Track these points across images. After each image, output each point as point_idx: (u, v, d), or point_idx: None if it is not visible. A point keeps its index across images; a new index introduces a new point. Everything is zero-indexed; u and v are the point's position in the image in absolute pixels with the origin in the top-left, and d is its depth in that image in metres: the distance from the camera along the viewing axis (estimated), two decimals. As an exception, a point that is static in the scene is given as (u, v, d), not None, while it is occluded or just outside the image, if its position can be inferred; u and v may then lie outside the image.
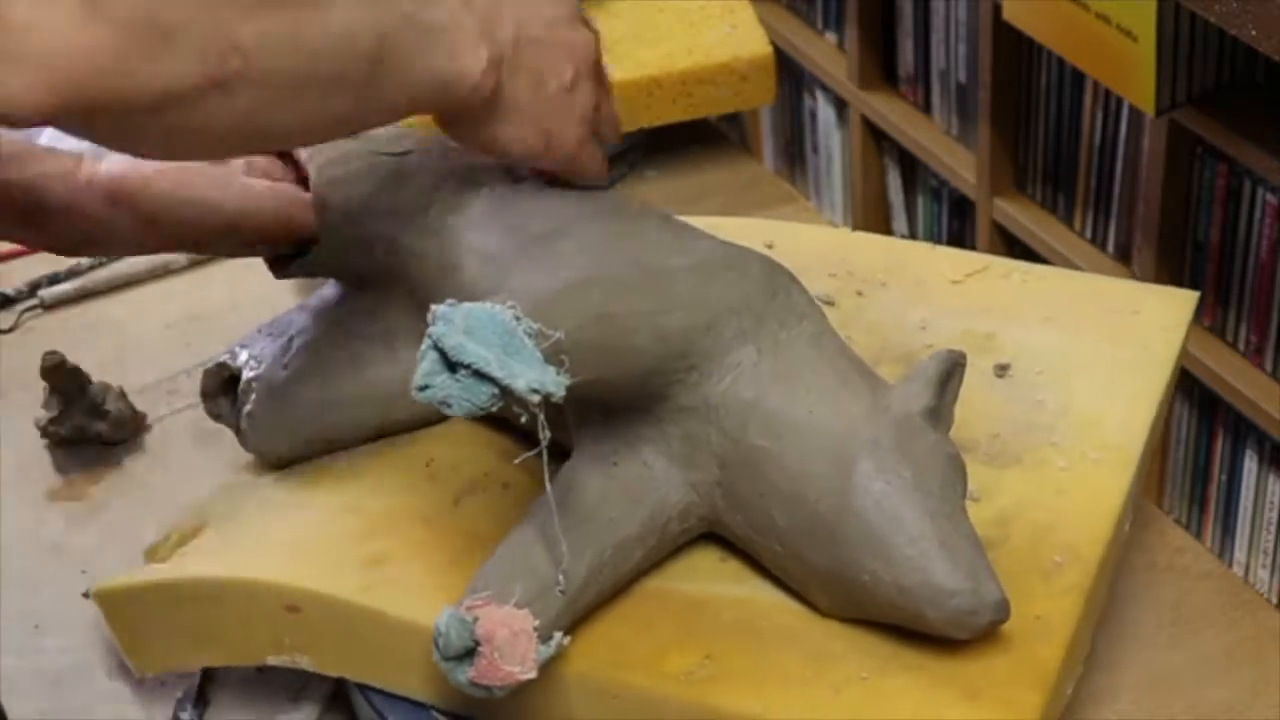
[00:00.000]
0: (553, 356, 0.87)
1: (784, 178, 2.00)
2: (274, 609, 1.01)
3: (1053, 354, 1.08)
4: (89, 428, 1.27)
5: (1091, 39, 1.40)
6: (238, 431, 1.11)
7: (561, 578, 0.92)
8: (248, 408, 1.09)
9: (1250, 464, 1.47)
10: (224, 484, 1.12)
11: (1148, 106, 1.39)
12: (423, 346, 0.86)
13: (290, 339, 1.11)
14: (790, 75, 1.94)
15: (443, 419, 1.09)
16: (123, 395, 1.28)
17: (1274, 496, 1.45)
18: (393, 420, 1.10)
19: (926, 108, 1.76)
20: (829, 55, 1.85)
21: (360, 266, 1.09)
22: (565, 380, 0.86)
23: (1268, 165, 1.35)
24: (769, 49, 1.53)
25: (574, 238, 1.02)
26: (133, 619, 1.06)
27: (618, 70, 1.50)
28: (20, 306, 1.41)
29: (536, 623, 0.90)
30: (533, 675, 0.90)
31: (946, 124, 1.74)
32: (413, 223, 1.07)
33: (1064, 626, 0.94)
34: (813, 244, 1.18)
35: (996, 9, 1.53)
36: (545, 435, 0.86)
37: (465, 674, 0.90)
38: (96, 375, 1.28)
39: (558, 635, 0.92)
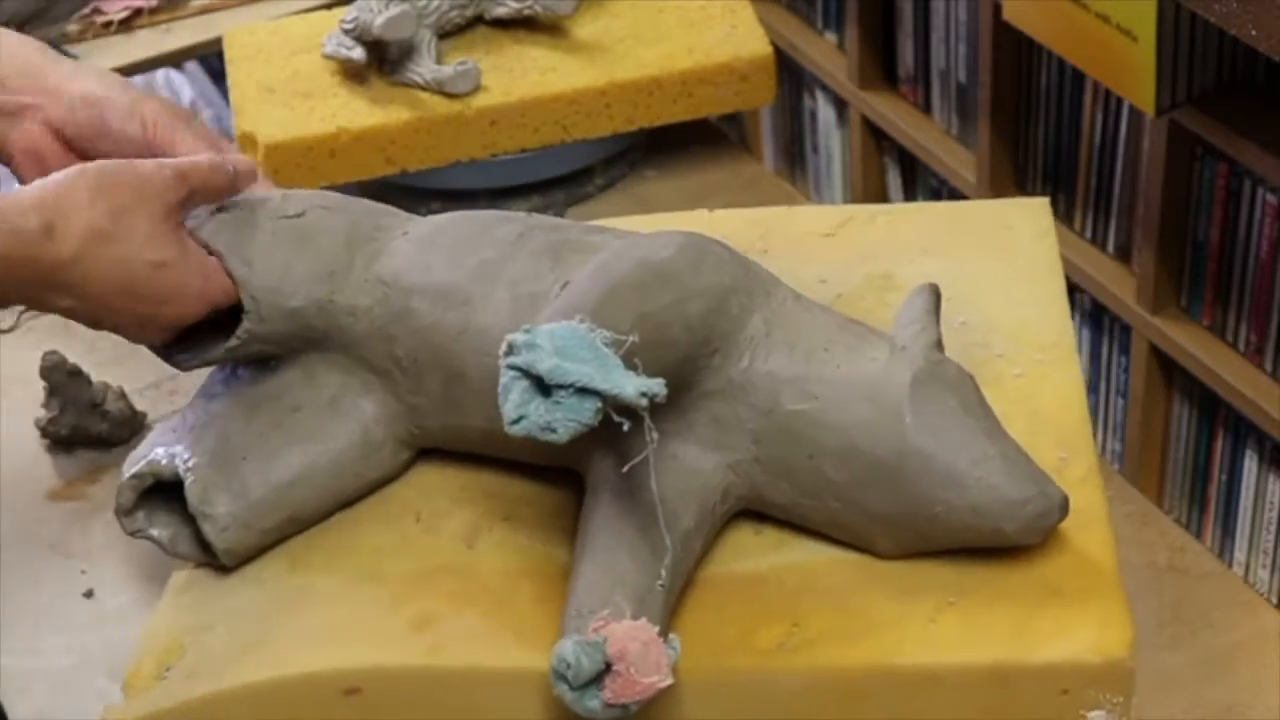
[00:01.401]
0: (628, 361, 0.88)
1: (784, 178, 2.00)
2: (330, 698, 0.98)
3: (951, 279, 1.11)
4: (89, 427, 1.26)
5: (1091, 39, 1.40)
6: (189, 541, 1.05)
7: (664, 572, 0.93)
8: (209, 510, 1.03)
9: (1250, 464, 1.47)
10: (171, 597, 1.05)
11: (1148, 106, 1.39)
12: (504, 379, 0.86)
13: (221, 430, 1.06)
14: (790, 75, 1.93)
15: (399, 475, 1.08)
16: (122, 395, 1.27)
17: (1274, 496, 1.45)
18: (357, 486, 1.07)
19: (926, 108, 1.76)
20: (829, 55, 1.85)
21: (289, 337, 1.06)
22: (661, 380, 0.87)
23: (1268, 165, 1.35)
24: (769, 49, 1.53)
25: (528, 255, 1.03)
26: None
27: (618, 70, 1.50)
28: (20, 306, 1.41)
29: (655, 629, 0.91)
30: (671, 681, 0.90)
31: (946, 124, 1.74)
32: (342, 280, 1.06)
33: (1099, 512, 0.99)
34: (680, 229, 1.18)
35: (996, 9, 1.52)
36: (654, 437, 0.88)
37: (596, 699, 0.89)
38: (96, 375, 1.28)
39: (673, 636, 0.92)
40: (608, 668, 0.89)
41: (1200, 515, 1.53)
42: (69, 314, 1.00)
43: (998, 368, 1.07)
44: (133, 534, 1.06)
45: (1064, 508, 0.95)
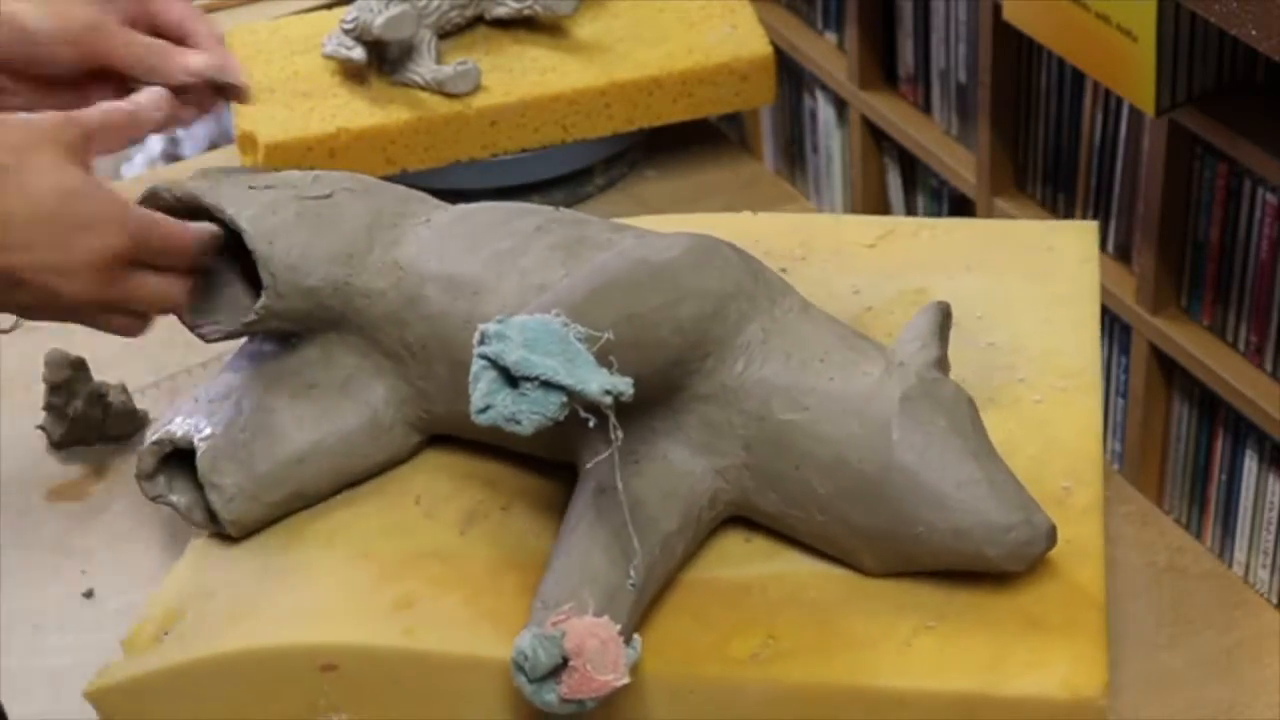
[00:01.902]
0: (602, 359, 0.87)
1: (784, 178, 2.00)
2: (307, 672, 0.99)
3: (986, 299, 1.11)
4: (91, 420, 1.26)
5: (1091, 39, 1.40)
6: (202, 510, 1.06)
7: (633, 572, 0.93)
8: (217, 480, 1.04)
9: (1250, 464, 1.47)
10: (184, 563, 1.07)
11: (1148, 106, 1.39)
12: (474, 368, 0.87)
13: (237, 402, 1.07)
14: (790, 75, 1.93)
15: (407, 458, 1.09)
16: (124, 390, 1.28)
17: (1274, 496, 1.45)
18: (365, 466, 1.08)
19: (926, 108, 1.76)
20: (829, 55, 1.85)
21: (307, 315, 1.06)
22: (629, 379, 0.87)
23: (1268, 165, 1.35)
24: (769, 49, 1.53)
25: (544, 249, 1.03)
26: (140, 714, 1.01)
27: (618, 70, 1.50)
28: None
29: (617, 627, 0.91)
30: (627, 680, 0.90)
31: (946, 124, 1.74)
32: (360, 263, 1.06)
33: (1094, 545, 0.98)
34: (720, 230, 1.18)
35: (996, 9, 1.53)
36: (618, 436, 0.88)
37: (553, 693, 0.89)
38: (97, 374, 1.28)
39: (636, 637, 0.92)
40: (565, 662, 0.89)
41: (1200, 515, 1.53)
42: None
43: (1017, 392, 1.06)
44: (153, 499, 1.08)
45: (1050, 537, 0.94)
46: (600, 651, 0.89)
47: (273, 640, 0.99)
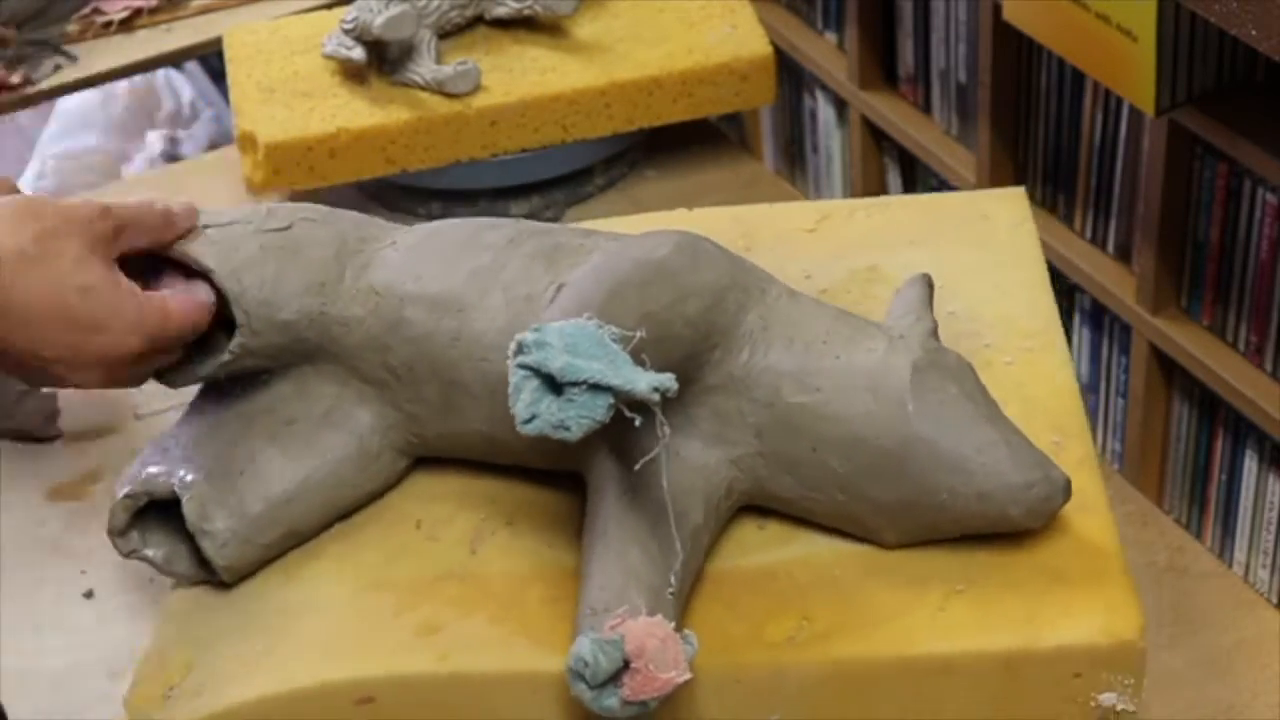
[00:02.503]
0: (636, 358, 0.88)
1: (784, 178, 2.00)
2: (342, 708, 0.98)
3: (936, 270, 1.12)
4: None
5: (1091, 39, 1.40)
6: (186, 560, 1.05)
7: (678, 569, 0.93)
8: (209, 526, 1.03)
9: (1250, 464, 1.47)
10: (167, 616, 1.04)
11: (1148, 106, 1.39)
12: (514, 379, 0.87)
13: (215, 446, 1.05)
14: (790, 75, 1.93)
15: (395, 484, 1.08)
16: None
17: (1274, 496, 1.45)
18: (355, 496, 1.07)
19: (926, 108, 1.76)
20: (829, 55, 1.85)
21: (282, 350, 1.05)
22: (671, 375, 0.87)
23: (1268, 165, 1.35)
24: (769, 49, 1.53)
25: (522, 259, 1.03)
26: None
27: (618, 70, 1.50)
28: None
29: (671, 624, 0.91)
30: (689, 676, 0.90)
31: (946, 124, 1.74)
32: (333, 291, 1.05)
33: (1097, 495, 1.00)
34: (663, 228, 1.18)
35: (996, 9, 1.52)
36: (665, 433, 0.88)
37: (614, 697, 0.89)
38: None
39: (689, 632, 0.92)
40: (625, 665, 0.89)
41: (1200, 515, 1.53)
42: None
43: (987, 356, 1.08)
44: (127, 555, 1.05)
45: (1067, 490, 0.96)
46: (661, 650, 0.89)
47: (304, 680, 0.98)
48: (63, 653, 1.13)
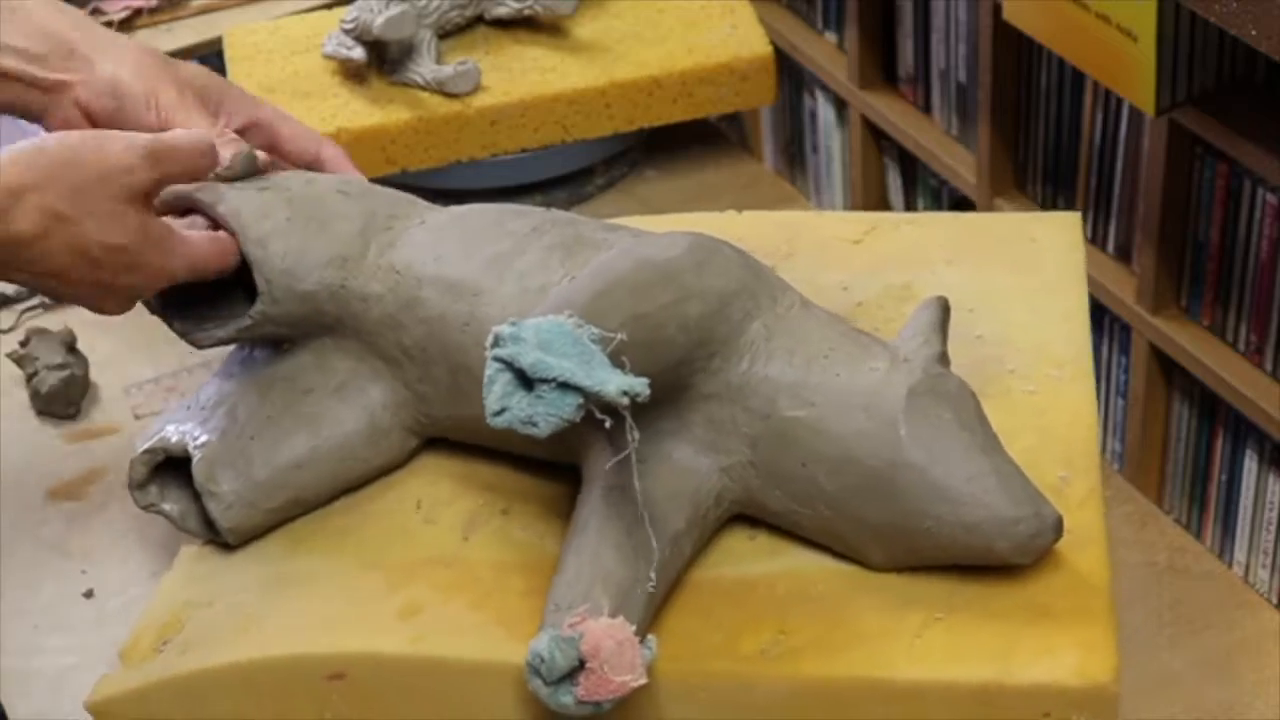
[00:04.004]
0: (615, 359, 0.87)
1: (784, 178, 2.00)
2: (314, 681, 0.98)
3: (972, 291, 1.11)
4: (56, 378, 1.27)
5: (1091, 39, 1.40)
6: (196, 518, 1.06)
7: (653, 575, 0.93)
8: (214, 488, 1.04)
9: (1250, 464, 1.47)
10: (176, 572, 1.06)
11: (1148, 106, 1.39)
12: (489, 371, 0.86)
13: (231, 408, 1.06)
14: (790, 75, 1.93)
15: (404, 462, 1.09)
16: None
17: (1274, 496, 1.45)
18: (362, 471, 1.08)
19: (926, 108, 1.76)
20: (829, 55, 1.85)
21: (301, 320, 1.06)
22: (644, 379, 0.87)
23: (1268, 165, 1.35)
24: (769, 49, 1.53)
25: (541, 249, 1.03)
26: None
27: (618, 70, 1.50)
28: (20, 306, 1.41)
29: (632, 628, 0.91)
30: (644, 681, 0.90)
31: (946, 124, 1.74)
32: (355, 266, 1.06)
33: (1096, 534, 0.98)
34: (707, 229, 1.18)
35: (996, 9, 1.52)
36: (635, 437, 0.88)
37: (569, 695, 0.89)
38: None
39: (651, 637, 0.92)
40: (581, 664, 0.89)
41: (1200, 515, 1.53)
42: (26, 284, 1.00)
43: (1009, 383, 1.06)
44: (145, 508, 1.07)
45: (1058, 529, 0.94)
46: (617, 653, 0.89)
47: (280, 650, 0.99)
48: (63, 653, 1.13)
